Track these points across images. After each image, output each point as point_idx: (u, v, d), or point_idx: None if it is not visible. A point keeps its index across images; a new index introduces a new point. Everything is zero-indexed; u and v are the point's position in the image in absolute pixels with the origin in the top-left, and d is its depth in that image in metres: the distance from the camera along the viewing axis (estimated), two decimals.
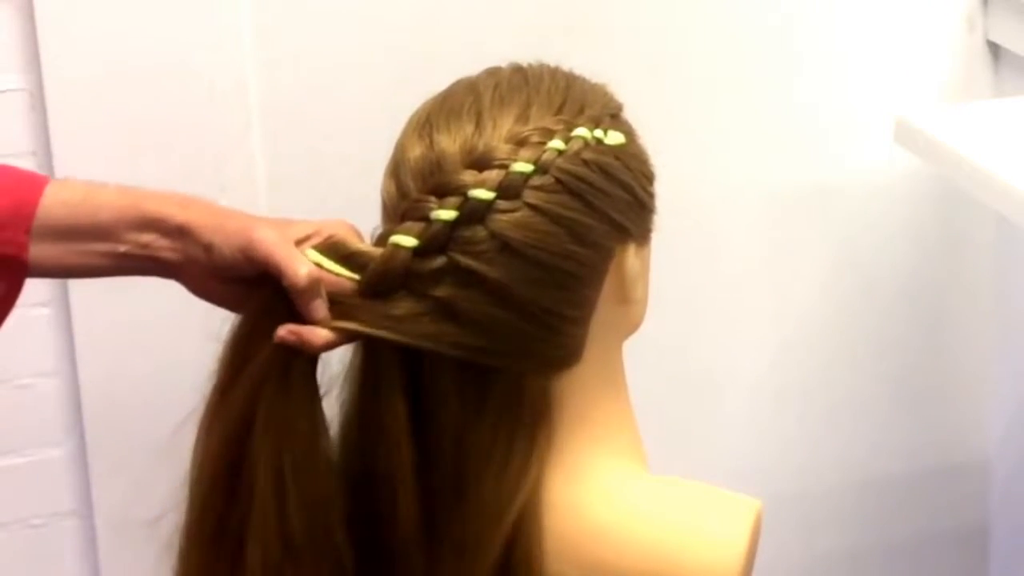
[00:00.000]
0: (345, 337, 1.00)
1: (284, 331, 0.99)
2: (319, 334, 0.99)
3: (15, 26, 1.57)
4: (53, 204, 1.09)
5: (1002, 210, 1.55)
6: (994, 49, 1.87)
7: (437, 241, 0.97)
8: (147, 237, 1.07)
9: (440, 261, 0.98)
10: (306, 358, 1.00)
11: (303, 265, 0.99)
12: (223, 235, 1.04)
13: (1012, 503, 2.00)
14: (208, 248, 1.05)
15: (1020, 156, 1.53)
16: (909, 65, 1.85)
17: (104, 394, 1.66)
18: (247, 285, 1.03)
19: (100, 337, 1.65)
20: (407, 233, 0.98)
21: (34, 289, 1.60)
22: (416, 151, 1.00)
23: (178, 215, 1.06)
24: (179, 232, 1.06)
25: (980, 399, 2.00)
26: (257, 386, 1.00)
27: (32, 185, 1.10)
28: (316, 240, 1.02)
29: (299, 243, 1.02)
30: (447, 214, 0.97)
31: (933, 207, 1.91)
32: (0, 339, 1.61)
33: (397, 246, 0.98)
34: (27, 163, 1.59)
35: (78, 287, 1.62)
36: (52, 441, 1.68)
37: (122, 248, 1.08)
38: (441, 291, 0.98)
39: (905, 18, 1.84)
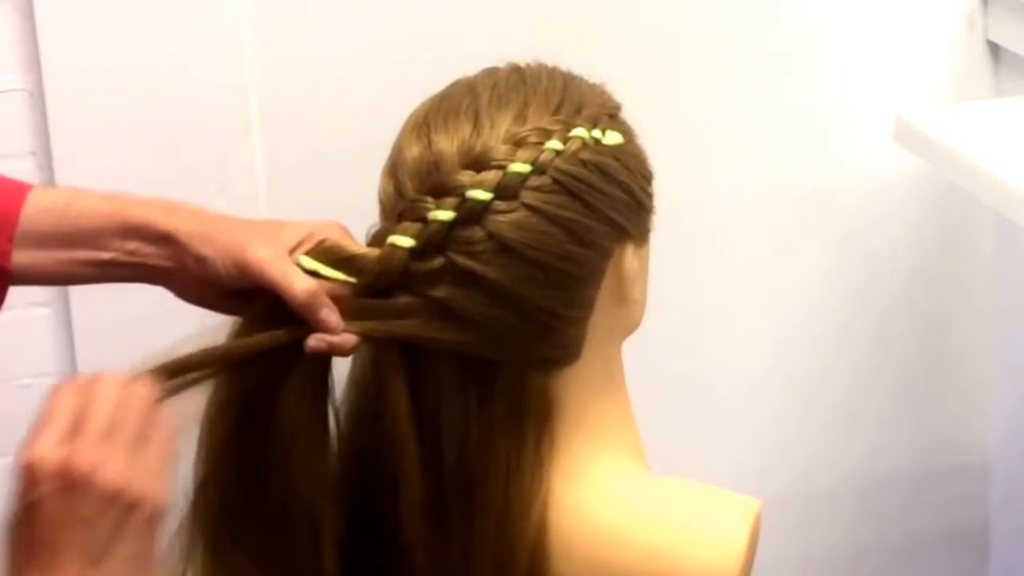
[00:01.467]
0: (363, 338, 1.00)
1: (314, 340, 0.99)
2: (348, 339, 0.99)
3: (15, 26, 1.57)
4: (36, 211, 1.08)
5: (1002, 210, 1.55)
6: (994, 49, 1.87)
7: (434, 242, 0.97)
8: (132, 244, 1.07)
9: (438, 262, 0.97)
10: (318, 363, 1.00)
11: (299, 281, 0.99)
12: (214, 249, 1.03)
13: (1012, 503, 2.00)
14: (200, 260, 1.04)
15: (1020, 156, 1.53)
16: (909, 65, 1.85)
17: None
18: (242, 295, 1.03)
19: (100, 337, 1.65)
20: (404, 233, 0.98)
21: (34, 289, 1.60)
22: (414, 151, 1.00)
23: (163, 222, 1.06)
24: (164, 239, 1.05)
25: (980, 399, 2.00)
26: (263, 388, 0.99)
27: (14, 192, 1.09)
28: (308, 245, 1.02)
29: (292, 251, 1.02)
30: (445, 215, 0.97)
31: (933, 207, 1.91)
32: (0, 339, 1.61)
33: (394, 246, 0.98)
34: (27, 163, 1.60)
35: (78, 287, 1.62)
36: None
37: (106, 255, 1.07)
38: (439, 291, 0.98)
39: (905, 18, 1.84)
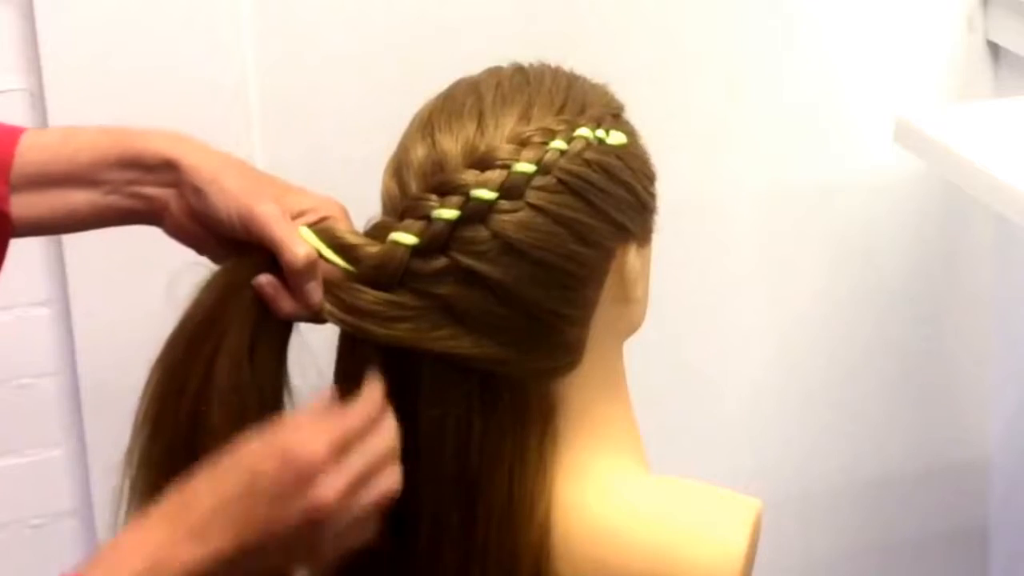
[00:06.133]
0: (316, 317, 0.99)
1: (265, 279, 0.99)
2: (291, 303, 0.98)
3: (15, 26, 1.57)
4: (31, 149, 1.06)
5: (1002, 210, 1.55)
6: (994, 49, 1.87)
7: (438, 241, 0.97)
8: (131, 174, 1.05)
9: (441, 261, 0.97)
10: (280, 326, 1.00)
11: (302, 246, 0.99)
12: (220, 191, 1.02)
13: (1012, 503, 2.00)
14: (200, 195, 1.02)
15: (1020, 156, 1.53)
16: (909, 65, 1.85)
17: (104, 394, 1.66)
18: (232, 245, 1.02)
19: (100, 337, 1.65)
20: (407, 231, 0.97)
21: (34, 289, 1.60)
22: (418, 151, 1.00)
23: (167, 149, 1.04)
24: (167, 166, 1.04)
25: (980, 399, 2.00)
26: (222, 337, 0.99)
27: (7, 134, 1.07)
28: (311, 218, 1.02)
29: (293, 218, 1.01)
30: (449, 213, 0.97)
31: (933, 207, 1.91)
32: (0, 339, 1.61)
33: (396, 243, 0.98)
34: None
35: (78, 287, 1.62)
36: (52, 441, 1.68)
37: (104, 188, 1.05)
38: (442, 290, 0.97)
39: (905, 18, 1.84)
